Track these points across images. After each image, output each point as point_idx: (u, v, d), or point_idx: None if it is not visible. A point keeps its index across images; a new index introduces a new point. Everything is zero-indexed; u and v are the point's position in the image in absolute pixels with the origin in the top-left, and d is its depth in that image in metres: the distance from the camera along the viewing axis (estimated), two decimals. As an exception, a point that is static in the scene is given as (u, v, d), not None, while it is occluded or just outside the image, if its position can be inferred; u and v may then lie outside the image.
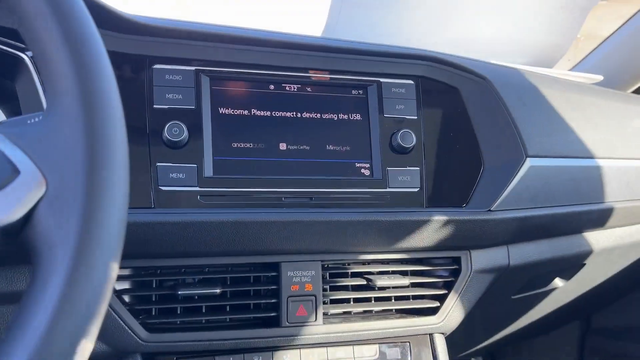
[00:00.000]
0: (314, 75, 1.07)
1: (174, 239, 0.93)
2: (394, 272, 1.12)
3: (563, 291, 1.48)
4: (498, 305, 1.35)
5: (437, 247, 1.09)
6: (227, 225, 0.93)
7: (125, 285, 0.99)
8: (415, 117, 1.11)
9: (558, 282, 1.44)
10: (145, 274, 1.00)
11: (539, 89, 1.21)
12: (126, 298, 0.98)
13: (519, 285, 1.31)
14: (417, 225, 1.03)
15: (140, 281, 1.00)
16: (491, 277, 1.17)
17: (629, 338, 1.89)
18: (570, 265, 1.39)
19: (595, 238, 1.34)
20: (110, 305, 0.94)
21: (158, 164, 0.95)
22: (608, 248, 1.38)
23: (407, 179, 1.07)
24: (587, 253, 1.34)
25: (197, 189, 0.96)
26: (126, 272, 0.98)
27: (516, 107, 1.14)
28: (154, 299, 1.00)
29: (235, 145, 1.00)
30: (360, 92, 1.09)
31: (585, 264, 1.39)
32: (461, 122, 1.14)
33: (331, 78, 1.08)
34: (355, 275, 1.10)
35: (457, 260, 1.14)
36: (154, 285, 1.00)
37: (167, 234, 0.92)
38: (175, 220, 0.92)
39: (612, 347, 1.96)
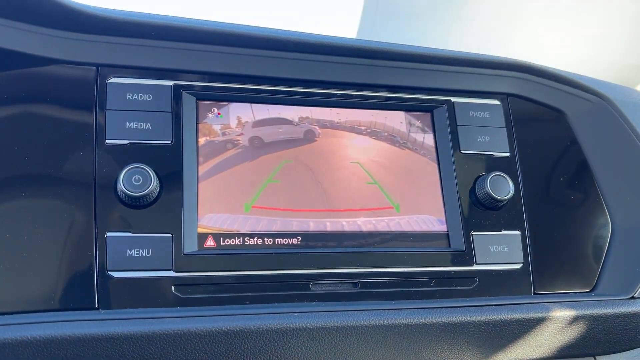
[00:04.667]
0: (353, 94, 0.70)
1: (131, 362, 0.55)
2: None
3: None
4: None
5: (548, 357, 0.70)
6: (220, 338, 0.55)
7: None
8: (508, 154, 0.73)
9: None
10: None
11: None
12: None
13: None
14: (524, 325, 0.64)
15: None
16: (625, 394, 0.77)
17: None
18: None
19: None
20: None
21: (108, 234, 0.58)
22: None
23: (503, 250, 0.69)
24: None
25: (172, 274, 0.59)
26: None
27: (655, 137, 0.76)
28: None
29: (235, 201, 0.63)
30: (424, 117, 0.73)
31: None
32: (572, 159, 0.77)
33: (379, 97, 0.71)
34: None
35: (577, 374, 0.74)
36: None
37: (121, 356, 0.54)
38: (135, 331, 0.54)
39: None
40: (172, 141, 0.63)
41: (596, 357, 0.75)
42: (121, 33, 0.64)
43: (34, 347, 0.51)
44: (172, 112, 0.64)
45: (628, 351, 0.77)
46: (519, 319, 0.64)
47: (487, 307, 0.64)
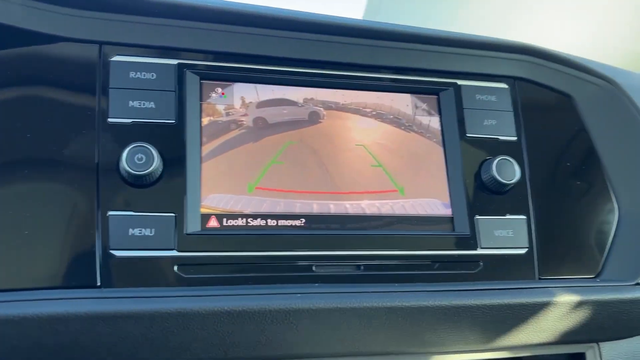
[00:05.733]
0: (359, 75, 0.70)
1: (134, 341, 0.55)
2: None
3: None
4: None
5: (551, 342, 0.69)
6: (222, 318, 0.55)
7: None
8: (515, 138, 0.73)
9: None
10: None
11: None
12: None
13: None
14: (528, 310, 0.64)
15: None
16: (628, 380, 0.77)
17: None
18: None
19: None
20: None
21: (110, 212, 0.58)
22: None
23: (508, 234, 0.68)
24: None
25: (175, 254, 0.58)
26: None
27: (664, 123, 0.75)
28: None
29: (238, 182, 0.63)
30: (430, 99, 0.72)
31: None
32: (580, 144, 0.76)
33: (385, 79, 0.71)
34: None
35: (579, 359, 0.74)
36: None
37: (122, 335, 0.54)
38: (137, 309, 0.54)
39: None
40: (175, 120, 0.62)
41: (599, 343, 0.75)
42: (125, 10, 0.63)
43: (36, 324, 0.51)
44: (175, 92, 0.63)
45: (631, 338, 0.77)
46: (522, 303, 0.63)
47: (491, 291, 0.63)
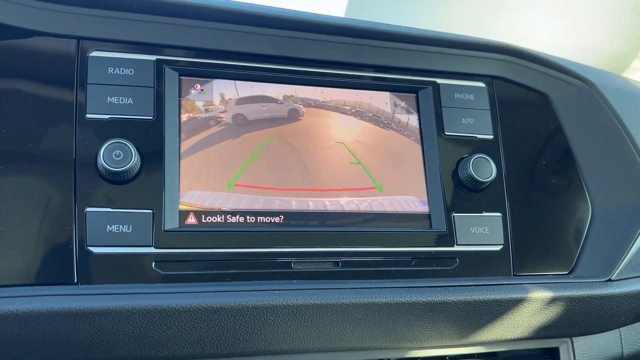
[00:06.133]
0: (339, 73, 0.70)
1: (111, 338, 0.55)
2: (458, 372, 0.73)
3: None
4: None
5: (526, 337, 0.71)
6: (200, 314, 0.55)
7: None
8: (491, 137, 0.74)
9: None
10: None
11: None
12: None
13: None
14: (503, 305, 0.65)
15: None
16: (599, 375, 0.79)
17: None
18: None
19: None
20: None
21: (88, 209, 0.57)
22: None
23: (484, 232, 0.69)
24: None
25: (152, 250, 0.58)
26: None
27: (637, 124, 0.77)
28: None
29: (217, 179, 0.63)
30: (409, 98, 0.72)
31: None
32: (556, 143, 0.77)
33: (365, 77, 0.71)
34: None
35: (552, 353, 0.76)
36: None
37: (100, 331, 0.54)
38: (114, 306, 0.54)
39: None
40: (153, 117, 0.62)
41: (572, 338, 0.77)
42: (103, 5, 0.63)
43: (12, 321, 0.51)
44: (154, 88, 0.63)
45: (603, 333, 0.78)
46: (497, 299, 0.64)
47: (467, 287, 0.64)
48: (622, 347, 0.81)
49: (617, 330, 0.80)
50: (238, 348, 0.59)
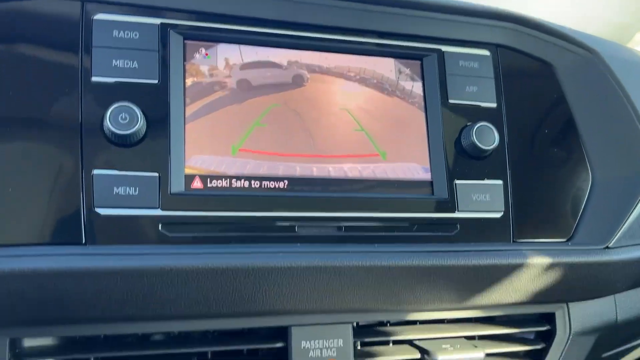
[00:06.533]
0: (343, 39, 0.70)
1: (119, 297, 0.56)
2: (456, 339, 0.75)
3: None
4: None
5: (523, 302, 0.72)
6: (206, 275, 0.57)
7: (43, 363, 0.61)
8: (495, 105, 0.74)
9: (655, 331, 1.08)
10: (78, 347, 0.63)
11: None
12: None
13: (617, 342, 0.95)
14: (502, 271, 0.66)
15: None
16: (593, 340, 0.81)
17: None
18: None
19: None
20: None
21: (95, 171, 0.58)
22: None
23: (485, 199, 0.70)
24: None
25: (159, 212, 0.59)
26: (48, 340, 0.61)
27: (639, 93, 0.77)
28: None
29: (222, 143, 0.63)
30: (413, 65, 0.72)
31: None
32: (558, 112, 0.78)
33: (369, 43, 0.71)
34: (402, 343, 0.73)
35: (548, 318, 0.78)
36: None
37: (107, 289, 0.55)
38: (121, 266, 0.55)
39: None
40: (158, 81, 0.62)
41: (569, 303, 0.78)
42: (107, -33, 0.62)
43: (21, 279, 0.52)
44: (159, 52, 0.63)
45: (598, 299, 0.80)
46: (497, 264, 0.66)
47: (467, 252, 0.65)
48: (616, 313, 0.82)
49: (612, 296, 0.82)
50: (243, 308, 0.60)
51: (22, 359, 0.59)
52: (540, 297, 0.72)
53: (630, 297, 0.85)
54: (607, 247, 0.72)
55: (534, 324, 0.78)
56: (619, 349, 1.04)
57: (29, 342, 0.61)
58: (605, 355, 1.00)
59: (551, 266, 0.68)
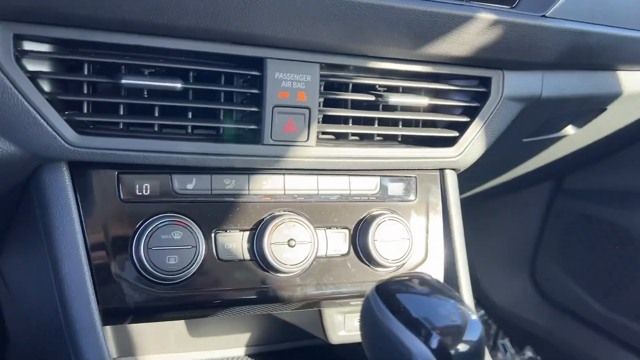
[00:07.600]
0: None
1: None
2: (406, 89, 0.87)
3: (570, 140, 1.30)
4: (508, 147, 1.15)
5: (467, 59, 0.84)
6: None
7: (43, 65, 0.68)
8: None
9: (570, 129, 1.26)
10: (72, 51, 0.69)
11: None
12: (44, 84, 0.68)
13: (535, 125, 1.11)
14: (454, 22, 0.76)
15: (65, 61, 0.70)
16: (519, 108, 0.95)
17: (596, 200, 1.82)
18: (591, 109, 1.19)
19: (628, 80, 1.12)
20: (20, 91, 0.65)
21: None
22: (635, 94, 1.18)
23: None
24: (614, 96, 1.14)
25: None
26: (43, 46, 0.68)
27: None
28: (85, 90, 0.71)
29: None
30: None
31: (605, 110, 1.20)
32: None
33: None
34: (359, 88, 0.84)
35: (485, 82, 0.90)
36: (85, 70, 0.70)
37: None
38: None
39: (579, 208, 1.89)
40: None
41: (505, 71, 0.90)
42: None
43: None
44: None
45: (527, 72, 0.93)
46: (451, 14, 0.75)
47: (426, 1, 0.74)
48: (542, 89, 0.96)
49: (540, 74, 0.95)
50: (226, 27, 0.67)
51: (26, 54, 0.65)
52: (483, 53, 0.82)
53: (555, 78, 0.98)
54: (544, 16, 0.83)
55: (474, 84, 0.90)
56: (538, 137, 1.22)
57: (28, 46, 0.67)
58: (525, 140, 1.17)
59: (495, 23, 0.78)
